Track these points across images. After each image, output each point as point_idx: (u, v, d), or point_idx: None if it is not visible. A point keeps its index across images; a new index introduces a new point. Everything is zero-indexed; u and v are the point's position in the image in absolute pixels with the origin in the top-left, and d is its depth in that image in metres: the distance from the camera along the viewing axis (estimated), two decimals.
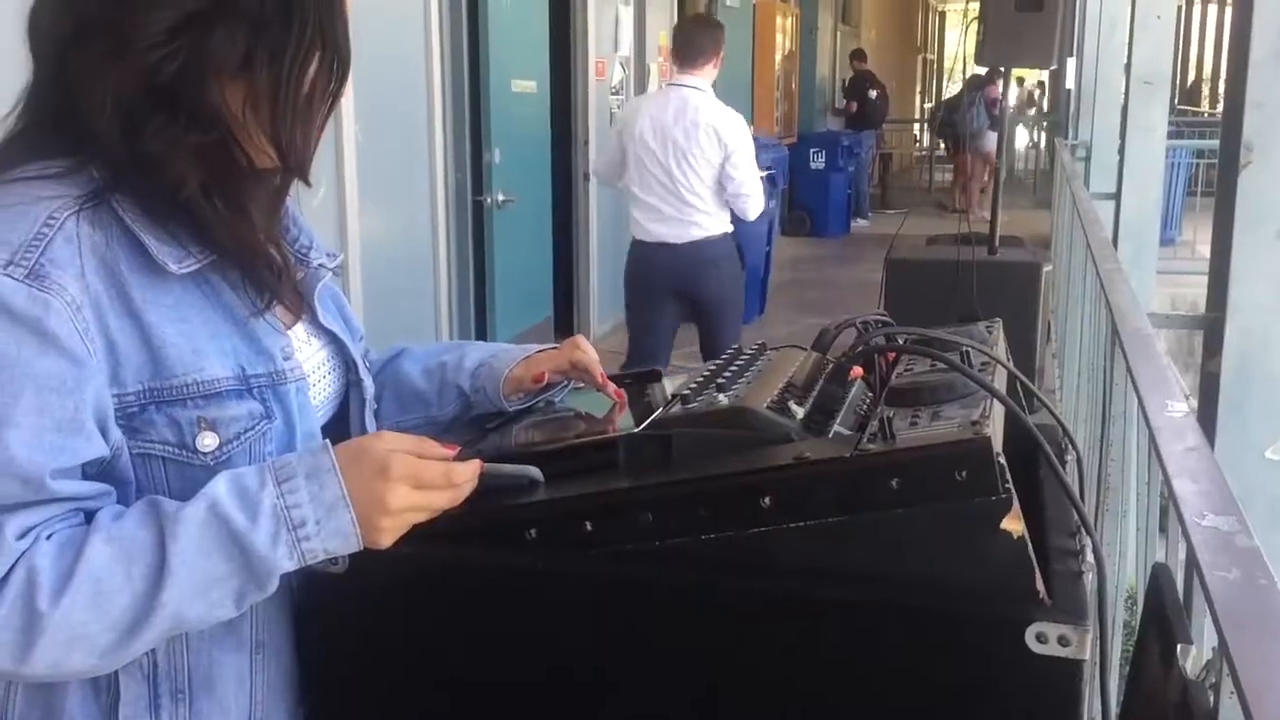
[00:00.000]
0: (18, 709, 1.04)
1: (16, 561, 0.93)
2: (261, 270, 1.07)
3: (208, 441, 1.02)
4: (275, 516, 0.97)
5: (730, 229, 4.19)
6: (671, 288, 4.14)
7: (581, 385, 1.42)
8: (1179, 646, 0.96)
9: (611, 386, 1.36)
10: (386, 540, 1.01)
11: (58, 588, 0.92)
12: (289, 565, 0.98)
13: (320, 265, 1.20)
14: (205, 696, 1.06)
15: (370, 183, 4.17)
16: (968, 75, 12.82)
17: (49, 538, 0.95)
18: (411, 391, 1.38)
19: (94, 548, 0.94)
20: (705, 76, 4.15)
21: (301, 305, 1.17)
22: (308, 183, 1.09)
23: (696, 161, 4.03)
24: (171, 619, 0.95)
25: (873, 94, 12.85)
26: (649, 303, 4.21)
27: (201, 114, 1.00)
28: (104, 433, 0.98)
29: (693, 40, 4.19)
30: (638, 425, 1.14)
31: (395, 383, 1.39)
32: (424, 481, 1.02)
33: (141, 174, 1.00)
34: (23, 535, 0.94)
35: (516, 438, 1.31)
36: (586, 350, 1.38)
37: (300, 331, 1.16)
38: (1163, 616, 1.04)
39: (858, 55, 13.46)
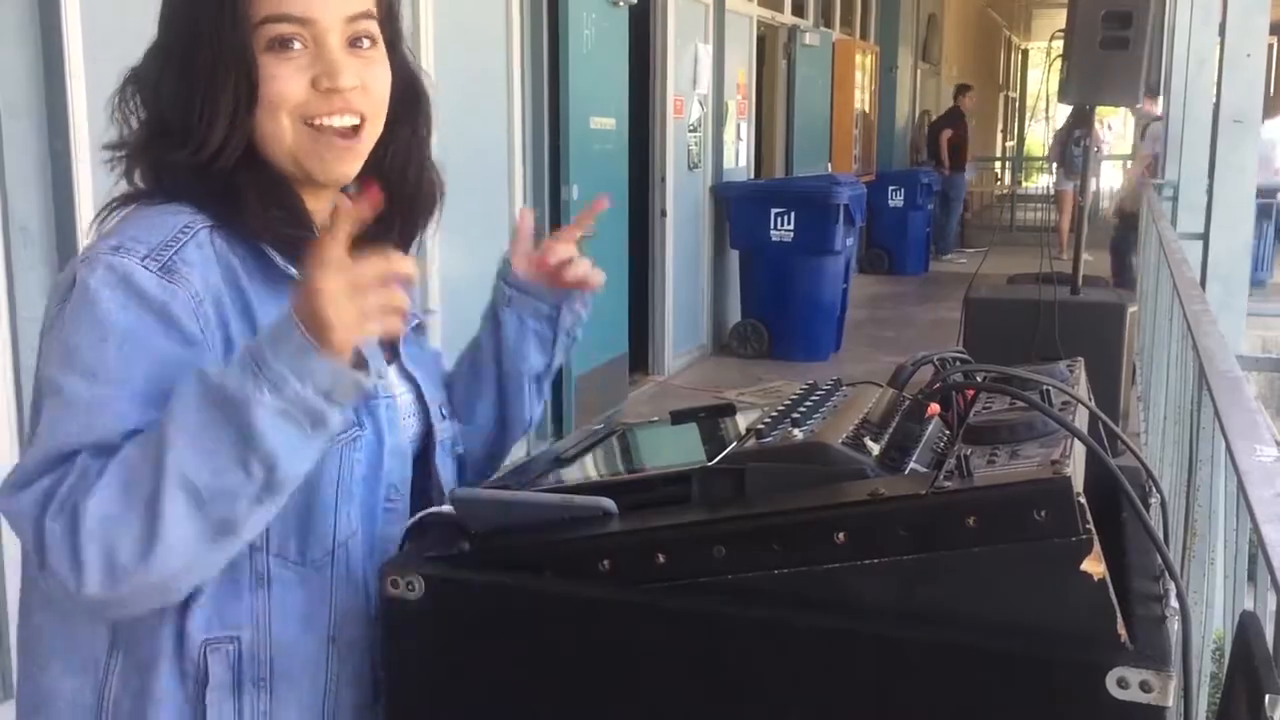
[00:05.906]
0: (113, 692, 1.11)
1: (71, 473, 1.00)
2: None
3: None
4: (241, 362, 1.00)
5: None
6: None
7: (653, 418, 1.41)
8: (1268, 697, 0.94)
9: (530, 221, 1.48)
10: (342, 335, 0.99)
11: (94, 484, 0.99)
12: (261, 396, 0.97)
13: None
14: (284, 684, 1.13)
15: (449, 215, 4.22)
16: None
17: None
18: (468, 410, 1.42)
19: (126, 449, 1.01)
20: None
21: (391, 351, 1.25)
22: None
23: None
24: (180, 484, 0.97)
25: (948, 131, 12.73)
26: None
27: None
28: None
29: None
30: (711, 459, 1.13)
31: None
32: (357, 279, 1.00)
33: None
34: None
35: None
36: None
37: (389, 373, 1.23)
38: (1251, 666, 1.01)
39: (960, 89, 13.32)
